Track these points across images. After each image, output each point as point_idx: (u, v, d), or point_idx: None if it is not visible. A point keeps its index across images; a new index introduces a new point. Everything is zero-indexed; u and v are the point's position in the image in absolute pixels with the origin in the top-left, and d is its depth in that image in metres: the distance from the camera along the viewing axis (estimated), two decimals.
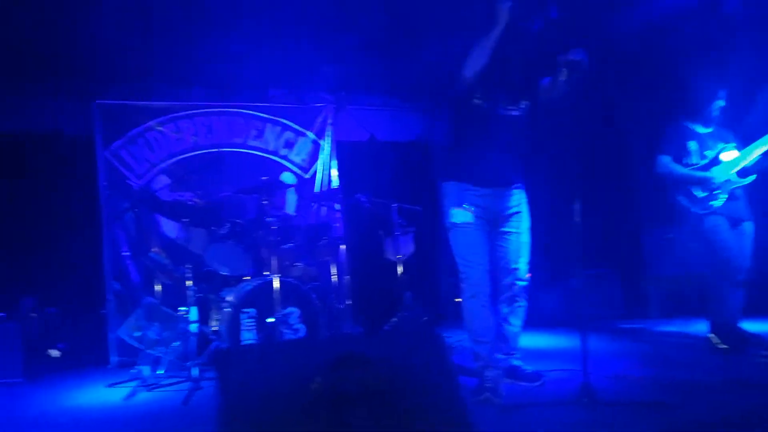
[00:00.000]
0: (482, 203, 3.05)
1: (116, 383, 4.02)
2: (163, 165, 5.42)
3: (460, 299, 3.12)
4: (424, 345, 2.18)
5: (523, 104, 3.10)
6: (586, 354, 2.62)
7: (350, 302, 4.67)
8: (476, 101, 3.01)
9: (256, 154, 5.68)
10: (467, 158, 3.07)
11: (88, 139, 5.31)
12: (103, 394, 3.82)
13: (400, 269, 4.73)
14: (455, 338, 4.26)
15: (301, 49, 5.09)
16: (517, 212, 3.14)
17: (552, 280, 5.32)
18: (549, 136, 3.74)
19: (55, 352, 5.15)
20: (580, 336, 2.67)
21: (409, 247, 4.96)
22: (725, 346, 3.57)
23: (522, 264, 3.11)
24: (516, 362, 3.14)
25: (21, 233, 5.40)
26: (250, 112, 5.69)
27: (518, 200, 3.15)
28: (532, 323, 3.42)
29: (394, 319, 4.62)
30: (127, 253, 5.15)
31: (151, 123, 5.44)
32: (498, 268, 3.10)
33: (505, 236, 3.12)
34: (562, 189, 2.93)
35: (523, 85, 3.10)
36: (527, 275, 3.11)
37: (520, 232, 3.13)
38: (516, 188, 3.15)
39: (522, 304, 3.13)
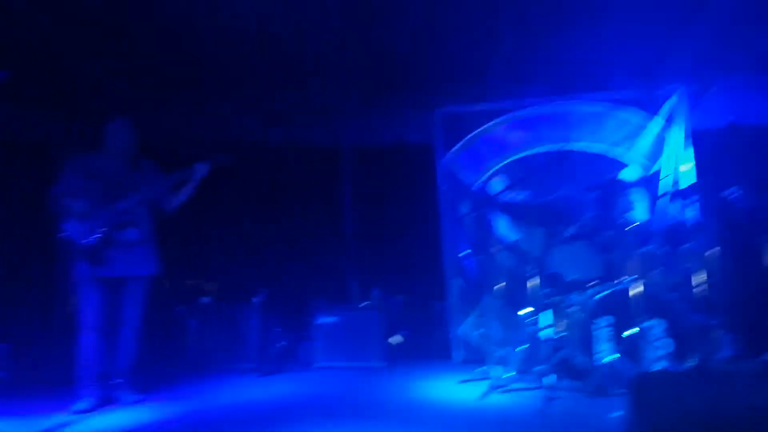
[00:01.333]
0: None
1: (467, 380, 4.09)
2: (499, 166, 5.42)
3: None
4: None
5: None
6: None
7: (721, 319, 3.92)
8: None
9: (595, 150, 5.27)
10: None
11: (427, 147, 5.62)
12: (455, 390, 3.91)
13: None
14: None
15: (650, 26, 4.51)
16: None
17: None
18: None
19: (398, 339, 5.59)
20: None
21: None
22: None
23: None
24: None
25: (372, 231, 6.02)
26: (587, 104, 5.31)
27: None
28: None
29: None
30: (467, 253, 5.29)
31: (487, 125, 5.49)
32: None
33: None
34: None
35: None
36: None
37: None
38: None
39: None
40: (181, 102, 5.72)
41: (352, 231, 6.02)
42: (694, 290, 4.02)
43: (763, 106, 5.13)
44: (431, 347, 5.31)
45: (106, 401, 3.66)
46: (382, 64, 5.35)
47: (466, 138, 5.54)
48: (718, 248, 4.00)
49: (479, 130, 5.53)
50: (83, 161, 3.83)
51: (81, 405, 3.51)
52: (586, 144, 5.25)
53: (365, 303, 5.31)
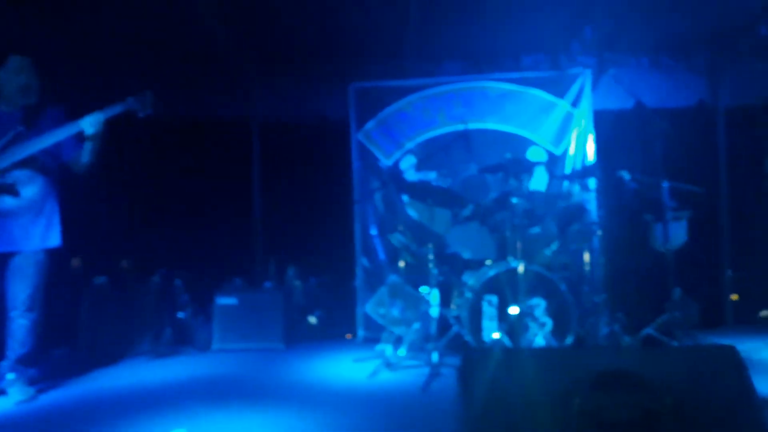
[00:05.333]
0: None
1: (361, 359, 4.11)
2: (410, 144, 5.40)
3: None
4: (715, 364, 1.65)
5: None
6: None
7: (606, 297, 4.06)
8: None
9: (502, 130, 5.32)
10: None
11: (344, 122, 5.53)
12: (349, 369, 3.92)
13: (669, 261, 3.99)
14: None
15: (557, 7, 4.56)
16: None
17: None
18: None
19: (313, 319, 5.56)
20: None
21: (681, 236, 4.14)
22: None
23: None
24: None
25: (286, 209, 5.89)
26: (497, 84, 5.33)
27: None
28: None
29: (660, 320, 3.92)
30: (375, 232, 5.29)
31: (401, 102, 5.45)
32: None
33: None
34: None
35: None
36: None
37: None
38: None
39: None
40: None
41: (261, 208, 5.89)
42: (583, 269, 4.15)
43: (662, 88, 5.29)
44: (340, 327, 5.32)
45: None
46: (295, 34, 5.18)
47: (381, 114, 5.48)
48: (604, 228, 4.11)
49: (393, 106, 5.48)
50: None
51: None
52: (493, 123, 5.29)
53: (268, 283, 5.22)
